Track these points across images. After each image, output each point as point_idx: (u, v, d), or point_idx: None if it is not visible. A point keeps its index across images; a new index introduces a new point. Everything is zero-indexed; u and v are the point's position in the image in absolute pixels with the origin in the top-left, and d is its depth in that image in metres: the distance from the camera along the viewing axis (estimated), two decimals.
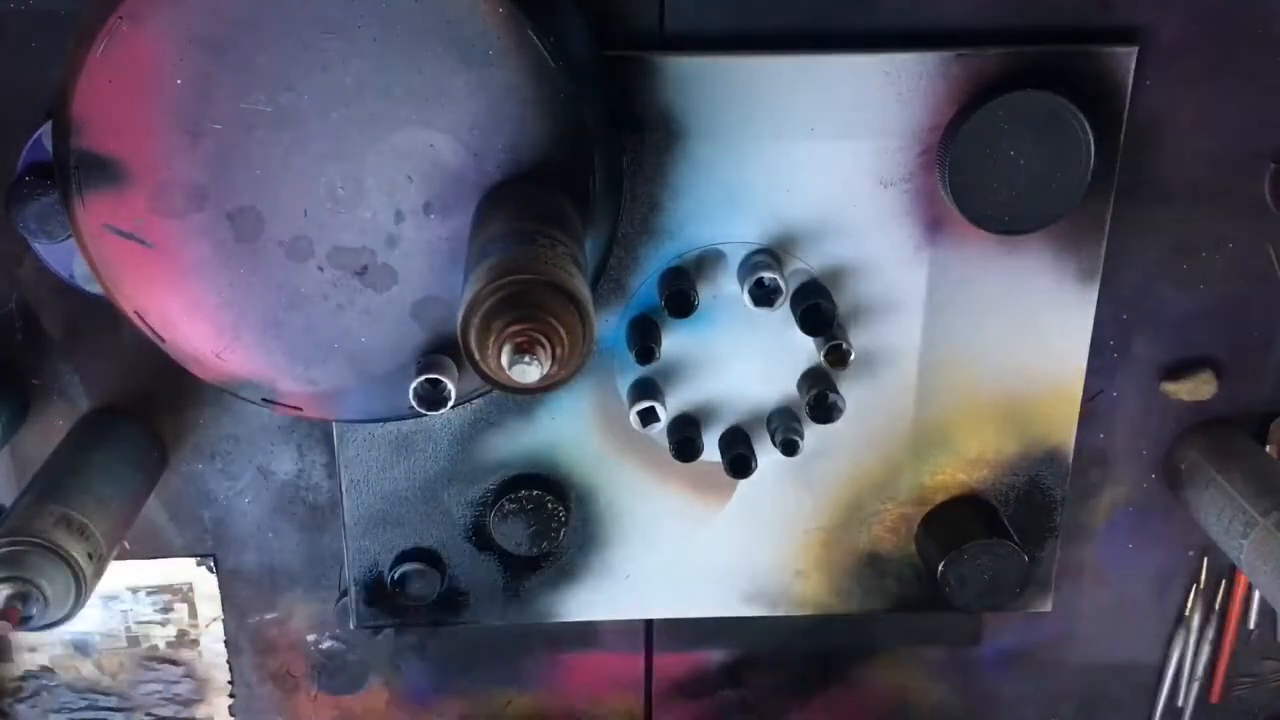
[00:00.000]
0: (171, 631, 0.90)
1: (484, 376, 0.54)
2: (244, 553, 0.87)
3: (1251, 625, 0.92)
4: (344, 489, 0.82)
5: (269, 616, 0.89)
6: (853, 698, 0.95)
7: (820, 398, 0.77)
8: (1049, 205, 0.72)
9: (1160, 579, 0.91)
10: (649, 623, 0.91)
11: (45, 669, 0.90)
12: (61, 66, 0.62)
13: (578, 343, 0.54)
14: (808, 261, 0.76)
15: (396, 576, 0.83)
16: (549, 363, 0.53)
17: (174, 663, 0.91)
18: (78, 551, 0.70)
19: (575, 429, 0.81)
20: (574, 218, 0.62)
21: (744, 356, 0.79)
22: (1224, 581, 0.91)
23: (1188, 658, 0.93)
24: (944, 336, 0.79)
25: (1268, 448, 0.85)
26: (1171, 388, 0.84)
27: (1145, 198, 0.78)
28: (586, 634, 0.91)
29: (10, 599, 0.67)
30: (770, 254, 0.76)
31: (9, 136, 0.73)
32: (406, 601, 0.84)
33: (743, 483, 0.82)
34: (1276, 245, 0.80)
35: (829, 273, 0.77)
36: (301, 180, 0.64)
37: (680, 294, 0.74)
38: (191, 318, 0.67)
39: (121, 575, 0.87)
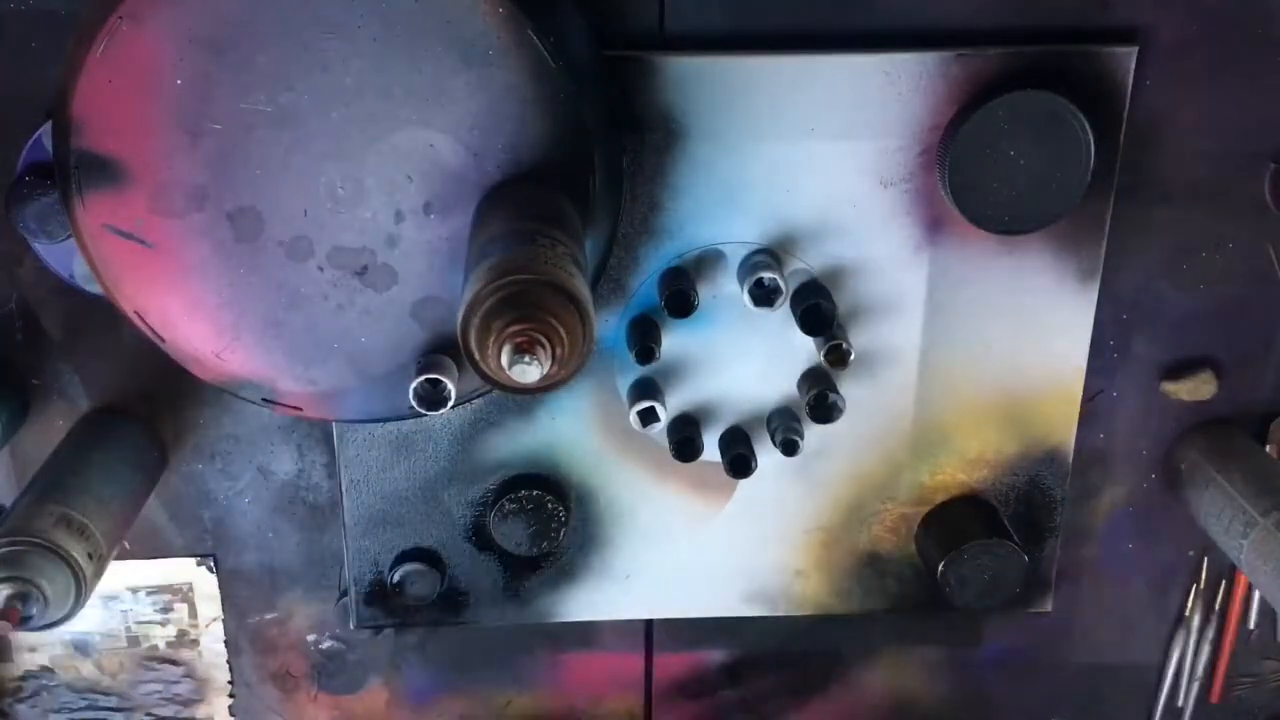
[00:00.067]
0: (171, 631, 0.90)
1: (484, 376, 0.54)
2: (244, 553, 0.87)
3: (1251, 625, 0.92)
4: (344, 489, 0.82)
5: (269, 616, 0.89)
6: (852, 698, 0.95)
7: (820, 398, 0.77)
8: (1049, 205, 0.72)
9: (1160, 579, 0.91)
10: (649, 623, 0.91)
11: (45, 669, 0.90)
12: (61, 66, 0.62)
13: (578, 343, 0.54)
14: (808, 261, 0.76)
15: (396, 576, 0.83)
16: (549, 363, 0.53)
17: (174, 663, 0.91)
18: (78, 551, 0.70)
19: (575, 429, 0.81)
20: (574, 218, 0.62)
21: (744, 356, 0.79)
22: (1224, 581, 0.91)
23: (1188, 658, 0.93)
24: (944, 336, 0.79)
25: (1268, 448, 0.85)
26: (1171, 388, 0.84)
27: (1145, 198, 0.78)
28: (586, 634, 0.91)
29: (10, 599, 0.67)
30: (770, 254, 0.76)
31: (9, 136, 0.73)
32: (406, 601, 0.84)
33: (743, 483, 0.82)
34: (1276, 245, 0.80)
35: (829, 273, 0.77)
36: (301, 180, 0.64)
37: (680, 294, 0.74)
38: (191, 318, 0.67)
39: (121, 575, 0.87)
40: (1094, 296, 0.78)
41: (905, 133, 0.73)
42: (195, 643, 0.90)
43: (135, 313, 0.66)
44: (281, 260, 0.65)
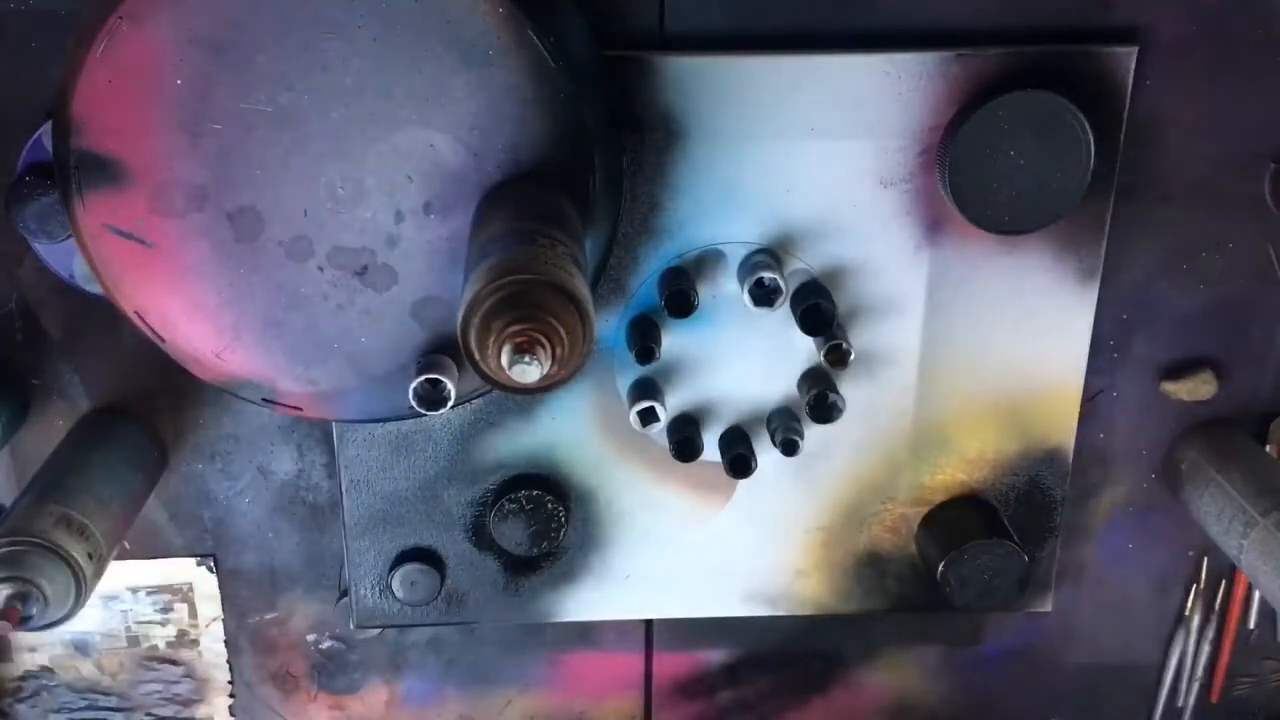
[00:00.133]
0: (171, 631, 0.90)
1: (484, 376, 0.54)
2: (244, 553, 0.87)
3: (1251, 625, 0.92)
4: (344, 489, 0.82)
5: (269, 616, 0.89)
6: (852, 698, 0.95)
7: (820, 398, 0.77)
8: (1049, 205, 0.72)
9: (1160, 579, 0.91)
10: (649, 623, 0.91)
11: (45, 669, 0.90)
12: (61, 66, 0.62)
13: (578, 343, 0.54)
14: (808, 261, 0.76)
15: (396, 577, 0.83)
16: (549, 363, 0.53)
17: (174, 663, 0.91)
18: (78, 551, 0.70)
19: (575, 429, 0.81)
20: (574, 218, 0.62)
21: (744, 356, 0.79)
22: (1224, 581, 0.91)
23: (1188, 658, 0.93)
24: (944, 336, 0.79)
25: (1268, 448, 0.85)
26: (1171, 388, 0.84)
27: (1145, 198, 0.78)
28: (586, 634, 0.91)
29: (10, 599, 0.67)
30: (770, 254, 0.76)
31: (9, 136, 0.73)
32: (406, 602, 0.84)
33: (743, 483, 0.82)
34: (1276, 245, 0.80)
35: (829, 273, 0.77)
36: (301, 180, 0.64)
37: (680, 294, 0.74)
38: (191, 318, 0.67)
39: (121, 575, 0.87)
40: (1094, 296, 0.78)
41: (905, 133, 0.73)
42: (195, 643, 0.90)
43: (135, 313, 0.66)
44: (281, 260, 0.65)
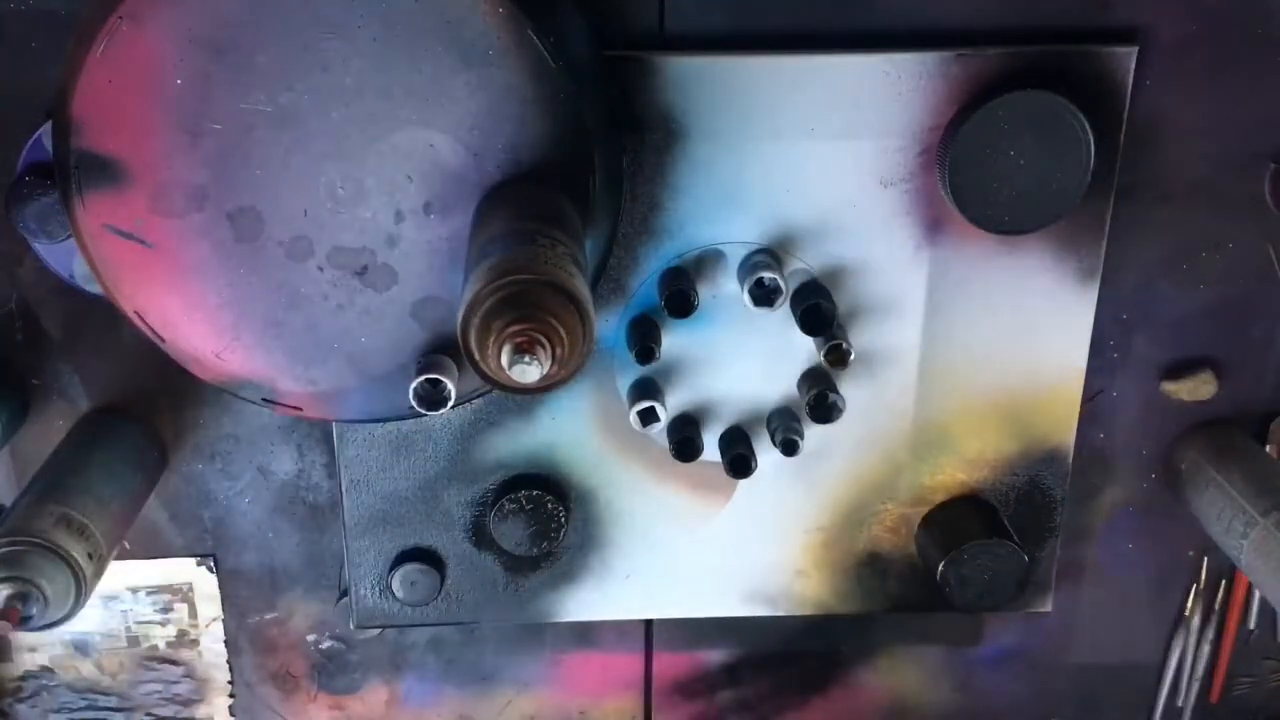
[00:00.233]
0: (171, 631, 0.90)
1: (484, 376, 0.54)
2: (244, 553, 0.87)
3: (1251, 625, 0.92)
4: (344, 489, 0.82)
5: (269, 616, 0.89)
6: (852, 698, 0.95)
7: (820, 398, 0.77)
8: (1049, 205, 0.72)
9: (1160, 579, 0.91)
10: (649, 623, 0.91)
11: (45, 669, 0.90)
12: (61, 66, 0.62)
13: (578, 343, 0.54)
14: (808, 261, 0.76)
15: (396, 577, 0.83)
16: (549, 363, 0.53)
17: (174, 663, 0.91)
18: (78, 551, 0.70)
19: (575, 429, 0.81)
20: (574, 218, 0.62)
21: (744, 356, 0.79)
22: (1224, 581, 0.91)
23: (1188, 658, 0.93)
24: (944, 336, 0.79)
25: (1268, 448, 0.85)
26: (1171, 388, 0.84)
27: (1145, 198, 0.78)
28: (586, 634, 0.91)
29: (10, 599, 0.67)
30: (770, 254, 0.76)
31: (9, 136, 0.73)
32: (406, 602, 0.84)
33: (743, 483, 0.82)
34: (1276, 245, 0.80)
35: (829, 273, 0.77)
36: (301, 180, 0.64)
37: (680, 294, 0.74)
38: (191, 318, 0.67)
39: (121, 575, 0.87)
40: (1094, 296, 0.78)
41: (905, 133, 0.73)
42: (195, 643, 0.90)
43: (135, 313, 0.66)
44: (281, 260, 0.65)
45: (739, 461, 0.79)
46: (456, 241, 0.65)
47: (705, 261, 0.76)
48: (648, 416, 0.77)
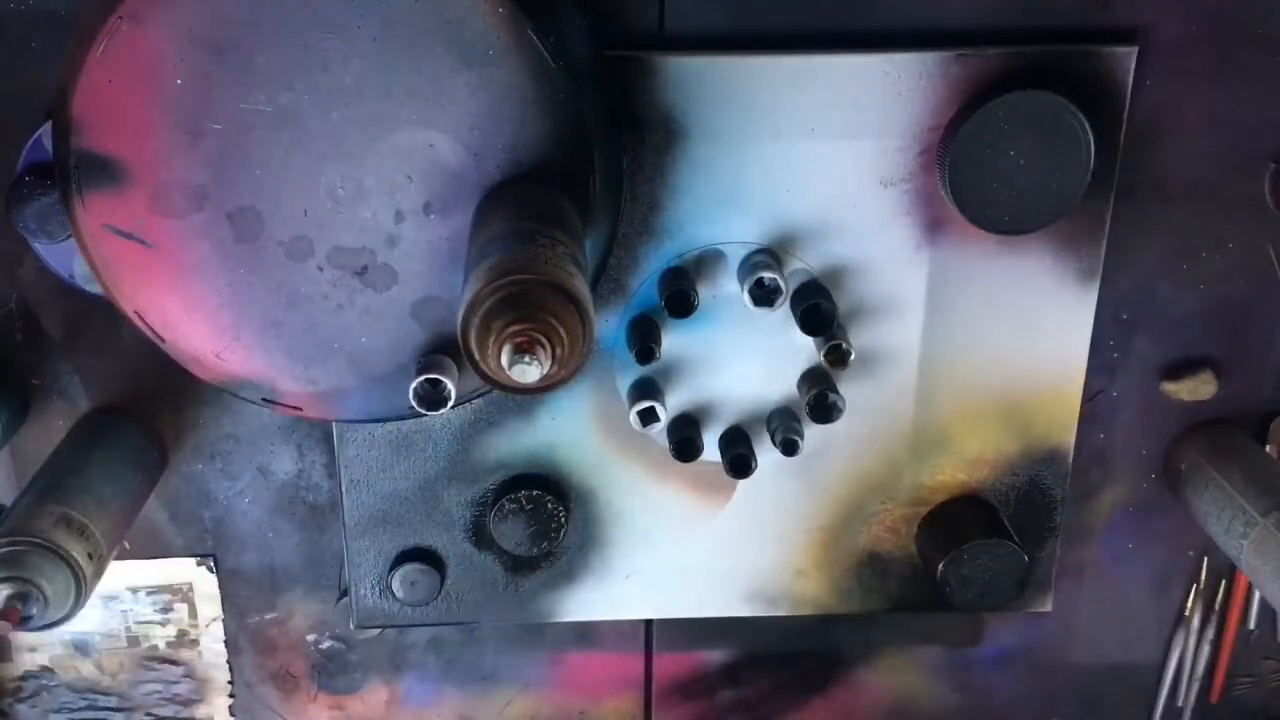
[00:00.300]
0: (171, 631, 0.90)
1: (484, 376, 0.54)
2: (244, 553, 0.87)
3: (1251, 625, 0.92)
4: (344, 489, 0.82)
5: (269, 616, 0.89)
6: (852, 698, 0.95)
7: (820, 398, 0.77)
8: (1049, 205, 0.72)
9: (1160, 579, 0.91)
10: (649, 623, 0.91)
11: (45, 669, 0.90)
12: (61, 66, 0.62)
13: (578, 343, 0.54)
14: (808, 261, 0.76)
15: (396, 577, 0.83)
16: (549, 363, 0.53)
17: (174, 663, 0.91)
18: (78, 551, 0.70)
19: (575, 429, 0.81)
20: (574, 218, 0.62)
21: (744, 356, 0.79)
22: (1224, 581, 0.91)
23: (1188, 658, 0.93)
24: (944, 336, 0.79)
25: (1268, 448, 0.85)
26: (1171, 388, 0.84)
27: (1145, 198, 0.78)
28: (586, 634, 0.91)
29: (10, 599, 0.67)
30: (770, 254, 0.76)
31: (9, 136, 0.73)
32: (406, 602, 0.84)
33: (743, 483, 0.82)
34: (1276, 245, 0.80)
35: (829, 273, 0.77)
36: (301, 180, 0.64)
37: (680, 294, 0.74)
38: (191, 318, 0.67)
39: (121, 575, 0.87)
40: (1094, 296, 0.78)
41: (905, 133, 0.73)
42: (195, 643, 0.90)
43: (135, 313, 0.66)
44: (281, 260, 0.65)
45: (739, 461, 0.79)
46: (456, 241, 0.65)
47: (705, 261, 0.76)
48: (648, 416, 0.77)
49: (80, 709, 0.92)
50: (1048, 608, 0.88)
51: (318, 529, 0.86)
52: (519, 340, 0.53)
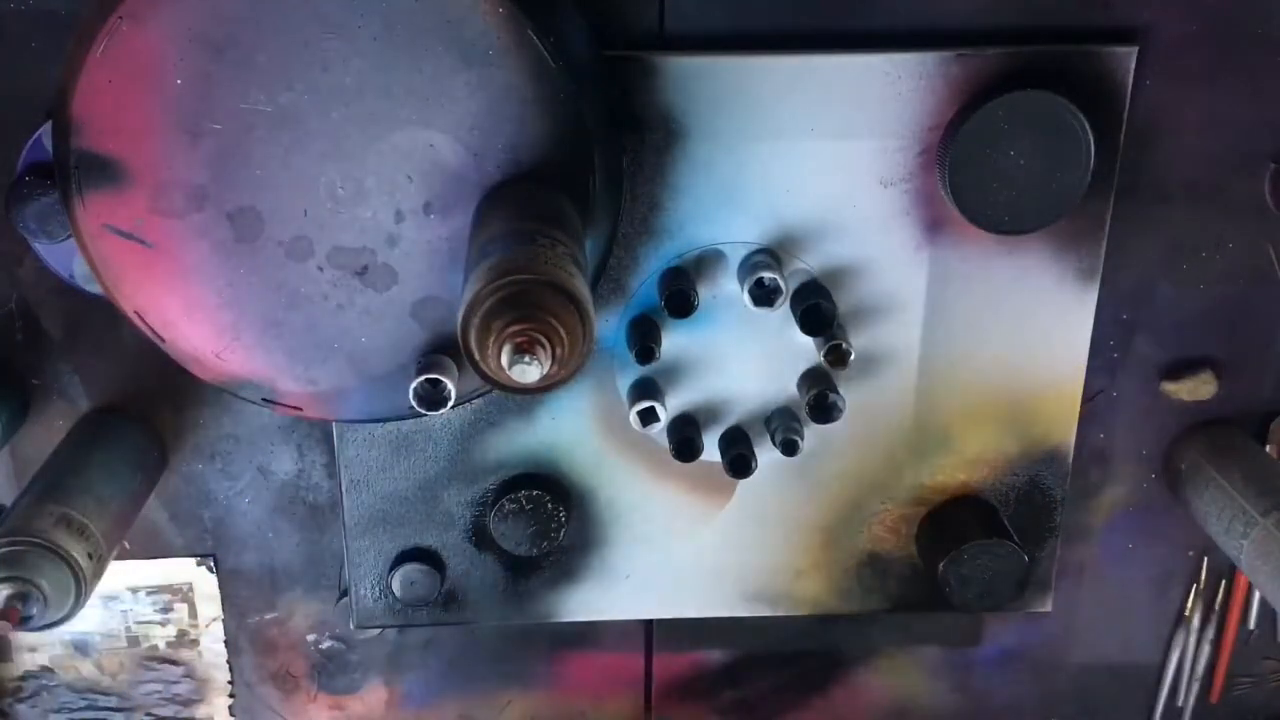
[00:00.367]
0: (171, 631, 0.90)
1: (484, 376, 0.54)
2: (244, 553, 0.87)
3: (1251, 625, 0.92)
4: (344, 489, 0.82)
5: (269, 616, 0.89)
6: (852, 698, 0.95)
7: (820, 398, 0.77)
8: (1049, 205, 0.72)
9: (1160, 579, 0.91)
10: (649, 623, 0.91)
11: (45, 669, 0.90)
12: (61, 66, 0.62)
13: (578, 343, 0.54)
14: (808, 261, 0.76)
15: (396, 577, 0.83)
16: (549, 363, 0.53)
17: (174, 663, 0.91)
18: (78, 551, 0.70)
19: (575, 429, 0.81)
20: (574, 218, 0.62)
21: (744, 356, 0.79)
22: (1224, 581, 0.91)
23: (1188, 658, 0.93)
24: (944, 336, 0.79)
25: (1268, 448, 0.85)
26: (1171, 388, 0.84)
27: (1145, 198, 0.78)
28: (586, 634, 0.91)
29: (10, 599, 0.67)
30: (770, 254, 0.76)
31: (9, 136, 0.73)
32: (406, 602, 0.84)
33: (743, 483, 0.82)
34: (1276, 245, 0.80)
35: (829, 273, 0.77)
36: (301, 180, 0.64)
37: (680, 294, 0.74)
38: (191, 318, 0.67)
39: (121, 575, 0.87)
40: (1094, 296, 0.78)
41: (905, 133, 0.73)
42: (195, 643, 0.90)
43: (135, 313, 0.66)
44: (281, 260, 0.65)
45: (739, 461, 0.79)
46: (456, 241, 0.65)
47: (705, 261, 0.76)
48: (648, 416, 0.77)
49: (80, 709, 0.92)
50: (1048, 608, 0.88)
51: (318, 529, 0.86)
52: (519, 340, 0.53)
